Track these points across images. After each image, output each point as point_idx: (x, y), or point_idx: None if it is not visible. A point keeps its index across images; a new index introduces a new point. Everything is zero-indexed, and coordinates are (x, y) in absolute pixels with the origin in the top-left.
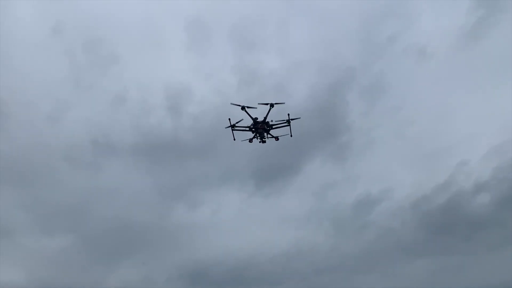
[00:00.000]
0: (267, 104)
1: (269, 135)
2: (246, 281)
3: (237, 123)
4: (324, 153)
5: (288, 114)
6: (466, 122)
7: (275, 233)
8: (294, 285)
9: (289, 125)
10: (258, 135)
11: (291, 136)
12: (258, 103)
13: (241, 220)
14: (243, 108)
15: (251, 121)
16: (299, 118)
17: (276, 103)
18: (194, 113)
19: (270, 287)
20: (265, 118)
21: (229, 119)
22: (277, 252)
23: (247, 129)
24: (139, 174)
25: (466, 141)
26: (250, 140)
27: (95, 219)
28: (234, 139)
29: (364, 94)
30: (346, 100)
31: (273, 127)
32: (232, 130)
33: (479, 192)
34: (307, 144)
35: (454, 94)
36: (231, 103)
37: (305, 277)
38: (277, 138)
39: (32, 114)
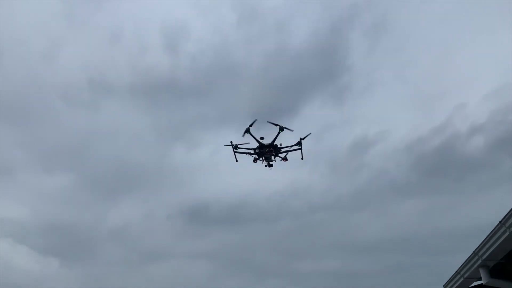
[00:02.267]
0: (276, 125)
1: (277, 158)
2: (243, 218)
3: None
4: (324, 94)
5: (300, 138)
6: (468, 64)
7: (271, 173)
8: (289, 222)
9: (301, 148)
10: (264, 158)
11: (302, 159)
12: (268, 121)
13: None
14: (247, 131)
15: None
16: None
17: (286, 128)
18: (192, 52)
19: (266, 223)
20: (273, 141)
21: (231, 142)
22: (273, 191)
23: (252, 151)
24: (137, 114)
25: (466, 84)
26: (255, 160)
27: (95, 157)
28: (237, 161)
29: (367, 33)
30: (348, 39)
31: (282, 150)
32: (234, 151)
33: (474, 135)
34: (306, 85)
35: (458, 34)
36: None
37: (300, 215)
38: (285, 159)
39: (25, 51)
